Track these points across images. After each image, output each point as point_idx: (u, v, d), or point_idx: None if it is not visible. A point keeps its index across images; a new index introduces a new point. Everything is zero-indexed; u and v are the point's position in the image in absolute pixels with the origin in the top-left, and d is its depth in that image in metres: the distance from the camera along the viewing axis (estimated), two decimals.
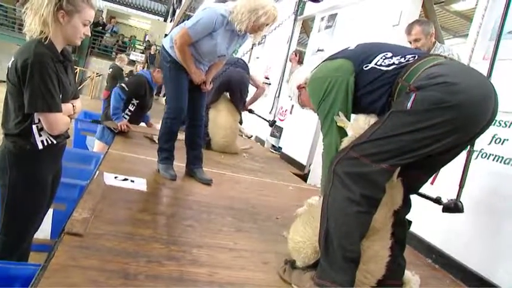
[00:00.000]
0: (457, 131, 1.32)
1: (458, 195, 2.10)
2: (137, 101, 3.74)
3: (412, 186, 1.59)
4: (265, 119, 4.93)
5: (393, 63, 1.47)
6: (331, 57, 1.67)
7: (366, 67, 1.52)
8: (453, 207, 2.04)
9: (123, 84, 3.67)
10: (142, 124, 4.19)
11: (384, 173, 1.38)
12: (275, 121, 5.05)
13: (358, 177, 1.39)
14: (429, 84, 1.33)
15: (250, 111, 4.73)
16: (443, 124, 1.30)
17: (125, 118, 3.71)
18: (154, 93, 4.57)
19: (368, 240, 1.46)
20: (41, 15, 1.54)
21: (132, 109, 3.75)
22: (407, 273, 1.68)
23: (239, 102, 4.27)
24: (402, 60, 1.47)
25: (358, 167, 1.39)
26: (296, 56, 5.52)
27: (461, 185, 2.14)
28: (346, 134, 1.55)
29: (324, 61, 1.69)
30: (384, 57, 1.51)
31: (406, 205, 1.60)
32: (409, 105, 1.34)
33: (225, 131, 4.09)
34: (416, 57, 1.46)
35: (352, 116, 1.59)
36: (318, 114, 1.65)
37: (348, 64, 1.56)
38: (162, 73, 3.33)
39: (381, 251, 1.50)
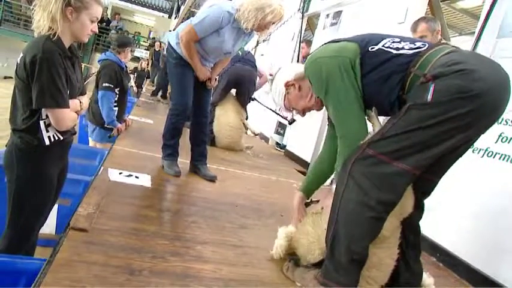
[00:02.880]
0: (477, 122, 1.24)
1: None
2: (118, 89, 3.52)
3: (424, 190, 1.49)
4: (274, 111, 4.76)
5: (402, 48, 1.37)
6: (333, 41, 1.57)
7: (371, 48, 1.41)
8: None
9: (106, 84, 3.35)
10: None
11: (404, 175, 1.29)
12: (294, 120, 4.92)
13: (377, 178, 1.30)
14: (448, 72, 1.22)
15: (253, 99, 4.55)
16: (467, 114, 1.20)
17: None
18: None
19: (374, 246, 1.40)
20: (50, 12, 1.55)
21: (116, 98, 3.52)
22: (423, 276, 1.63)
23: (246, 100, 4.27)
24: (412, 46, 1.37)
25: (377, 167, 1.30)
26: (308, 47, 4.82)
27: None
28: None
29: (325, 44, 1.58)
30: (391, 41, 1.41)
31: (419, 210, 1.52)
32: (429, 97, 1.22)
33: (230, 131, 4.10)
34: (427, 46, 1.36)
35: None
36: (325, 102, 1.52)
37: (352, 45, 1.45)
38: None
39: (385, 259, 1.46)
